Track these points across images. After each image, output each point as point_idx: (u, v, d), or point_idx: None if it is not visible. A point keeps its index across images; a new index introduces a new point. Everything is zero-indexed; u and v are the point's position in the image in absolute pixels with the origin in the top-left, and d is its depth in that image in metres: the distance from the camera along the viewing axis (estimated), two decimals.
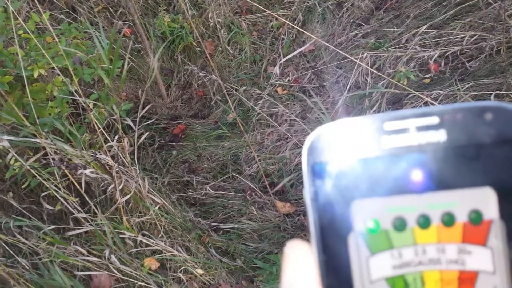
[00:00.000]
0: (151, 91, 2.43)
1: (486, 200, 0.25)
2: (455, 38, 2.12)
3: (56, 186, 1.44)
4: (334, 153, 0.26)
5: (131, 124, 1.42)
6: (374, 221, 0.26)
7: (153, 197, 1.61)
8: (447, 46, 2.11)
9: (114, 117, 1.27)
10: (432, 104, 1.59)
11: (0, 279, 1.46)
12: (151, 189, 1.63)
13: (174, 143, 2.32)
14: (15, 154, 1.21)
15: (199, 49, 2.56)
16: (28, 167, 1.26)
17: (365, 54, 2.02)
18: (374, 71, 1.76)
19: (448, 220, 0.25)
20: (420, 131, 0.26)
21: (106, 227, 1.41)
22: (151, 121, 1.90)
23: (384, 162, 0.26)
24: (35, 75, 1.69)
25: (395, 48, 2.17)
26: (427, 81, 2.08)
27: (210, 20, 2.57)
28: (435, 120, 0.26)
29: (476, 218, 0.25)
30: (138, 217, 1.56)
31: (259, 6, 1.99)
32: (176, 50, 2.55)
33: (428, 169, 0.25)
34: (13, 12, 1.40)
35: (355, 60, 1.85)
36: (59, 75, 1.74)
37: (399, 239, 0.26)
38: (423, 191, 0.25)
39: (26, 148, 1.55)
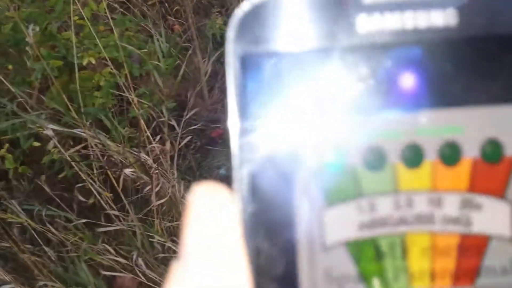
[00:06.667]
0: (192, 90, 2.41)
1: (510, 126, 0.16)
2: None
3: (92, 179, 1.41)
4: (281, 38, 0.16)
5: (176, 126, 1.39)
6: (335, 153, 0.17)
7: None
8: None
9: (161, 119, 1.24)
10: None
11: (24, 267, 1.44)
12: (185, 194, 1.59)
13: (210, 147, 2.29)
14: (57, 144, 1.19)
15: None
16: (69, 158, 1.24)
17: None
18: None
19: (451, 154, 0.16)
20: (416, 9, 0.16)
21: (137, 228, 1.37)
22: (196, 126, 1.87)
23: (356, 58, 0.16)
24: (84, 62, 1.67)
25: None
26: None
27: None
28: None
29: (492, 152, 0.16)
30: (169, 222, 1.52)
31: None
32: (224, 53, 2.52)
33: (424, 72, 0.16)
34: None
35: None
36: (108, 65, 1.73)
37: (372, 182, 0.17)
38: (414, 108, 0.16)
39: (68, 137, 1.53)
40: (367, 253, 0.17)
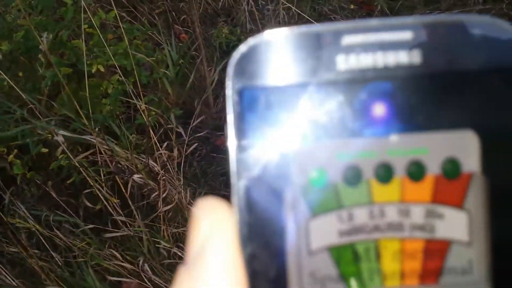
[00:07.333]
0: (198, 98, 2.43)
1: (466, 147, 0.19)
2: None
3: (99, 185, 1.42)
4: (272, 74, 0.20)
5: (183, 133, 1.40)
6: (319, 171, 0.20)
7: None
8: None
9: (170, 126, 1.26)
10: None
11: (31, 271, 1.45)
12: (191, 201, 1.60)
13: (215, 154, 2.30)
14: (67, 150, 1.20)
15: None
16: (77, 164, 1.25)
17: None
18: None
19: (416, 171, 0.20)
20: (385, 50, 0.20)
21: (143, 234, 1.38)
22: (201, 133, 1.89)
23: (335, 90, 0.20)
24: (93, 70, 1.69)
25: None
26: None
27: None
28: (407, 35, 0.19)
29: (452, 170, 0.20)
30: (175, 228, 1.53)
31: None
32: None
33: (393, 103, 0.20)
34: (84, 7, 1.40)
35: None
36: (116, 73, 1.75)
37: (350, 195, 0.20)
38: (385, 133, 0.20)
39: (76, 143, 1.55)
40: (346, 257, 0.20)
